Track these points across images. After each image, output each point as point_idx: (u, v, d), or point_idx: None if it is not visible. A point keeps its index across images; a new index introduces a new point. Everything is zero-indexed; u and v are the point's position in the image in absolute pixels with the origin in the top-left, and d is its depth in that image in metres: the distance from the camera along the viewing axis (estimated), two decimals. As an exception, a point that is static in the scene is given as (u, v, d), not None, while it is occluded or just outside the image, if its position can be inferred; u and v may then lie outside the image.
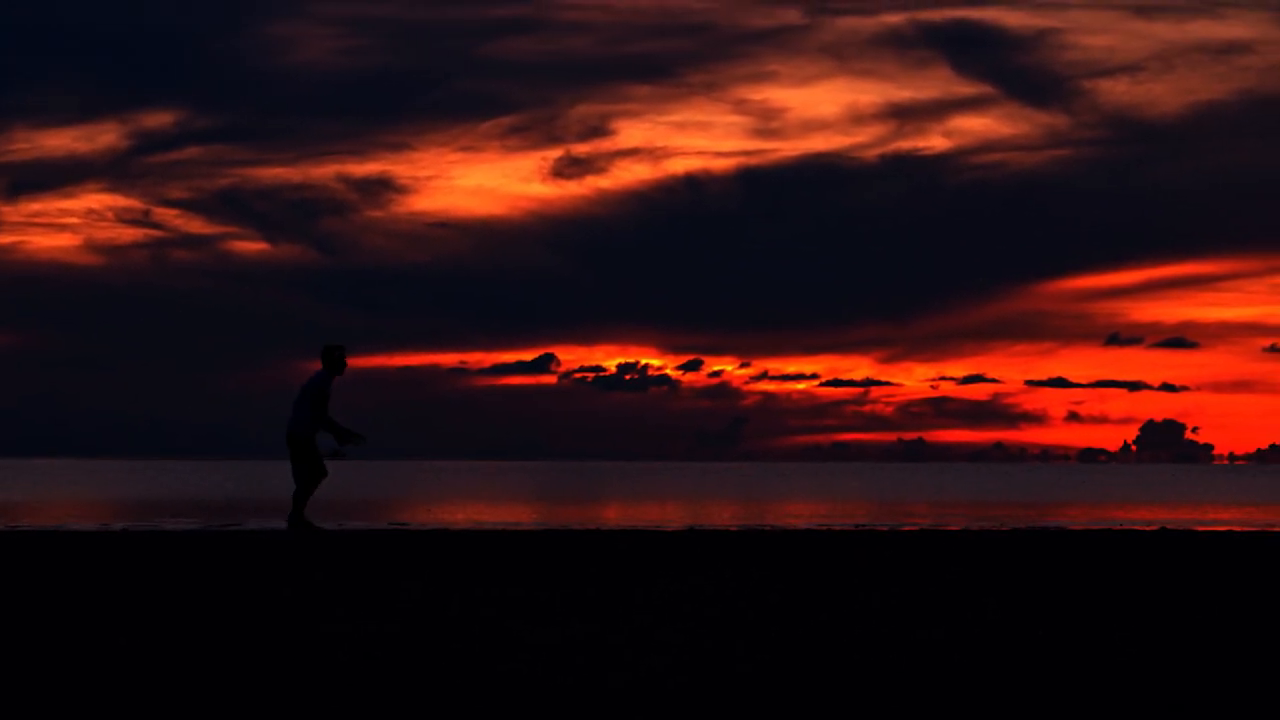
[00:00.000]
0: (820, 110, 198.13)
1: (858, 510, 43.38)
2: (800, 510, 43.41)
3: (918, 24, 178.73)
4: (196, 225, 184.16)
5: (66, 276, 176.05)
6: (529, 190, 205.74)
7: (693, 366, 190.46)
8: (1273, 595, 13.43)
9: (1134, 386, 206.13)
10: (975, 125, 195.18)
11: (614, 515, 38.58)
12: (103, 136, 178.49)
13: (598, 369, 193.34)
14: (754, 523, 32.90)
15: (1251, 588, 14.22)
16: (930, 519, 36.73)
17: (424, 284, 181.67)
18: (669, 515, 38.46)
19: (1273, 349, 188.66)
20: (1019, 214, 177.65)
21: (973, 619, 11.15)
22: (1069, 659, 9.05)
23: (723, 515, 38.82)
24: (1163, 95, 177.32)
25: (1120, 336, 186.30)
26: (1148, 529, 29.33)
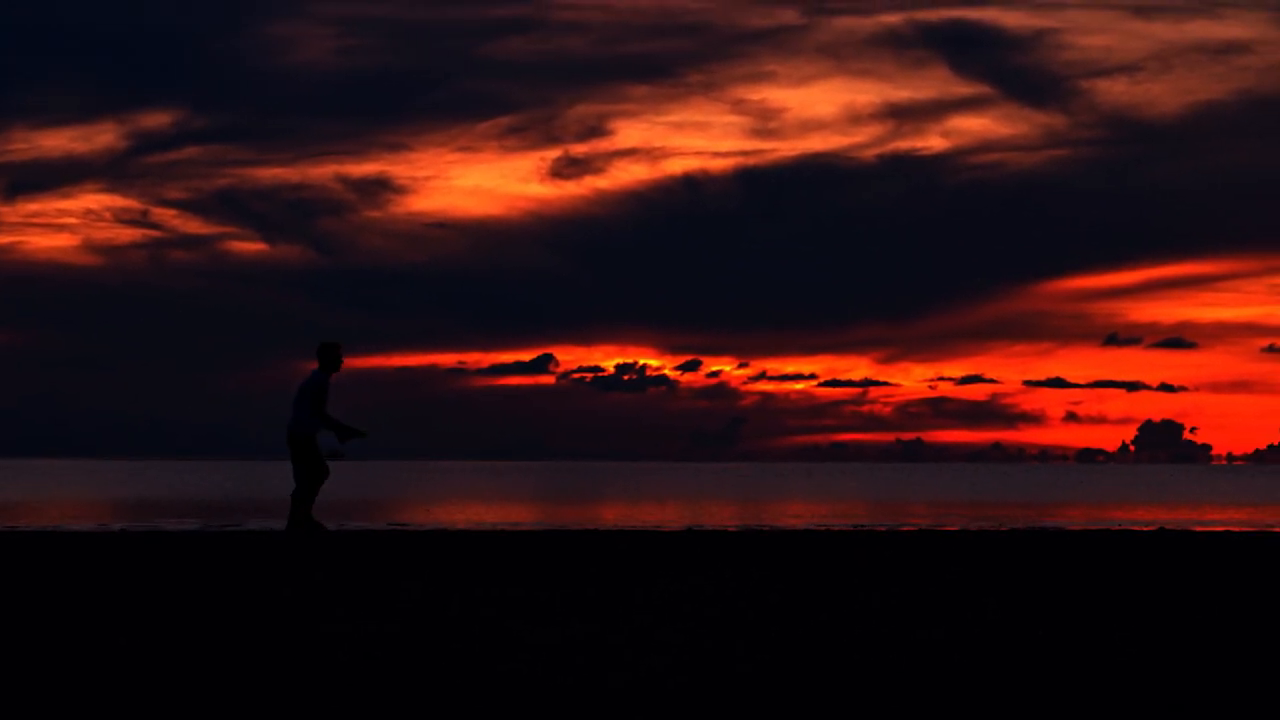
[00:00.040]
0: (818, 110, 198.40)
1: (856, 510, 43.40)
2: (798, 510, 43.43)
3: (915, 24, 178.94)
4: (194, 225, 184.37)
5: (65, 276, 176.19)
6: (527, 190, 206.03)
7: (691, 367, 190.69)
8: (1271, 595, 13.45)
9: (1132, 387, 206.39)
10: (973, 125, 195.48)
11: (613, 515, 38.60)
12: (101, 137, 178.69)
13: (596, 369, 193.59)
14: (753, 523, 32.92)
15: (1250, 588, 14.23)
16: (929, 519, 36.74)
17: (422, 284, 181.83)
18: (668, 515, 38.48)
19: (1271, 349, 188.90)
20: (1017, 214, 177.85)
21: (972, 619, 11.16)
22: (1069, 659, 9.07)
23: (721, 515, 38.84)
24: (1161, 95, 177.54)
25: (1118, 337, 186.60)
26: (1146, 529, 29.35)
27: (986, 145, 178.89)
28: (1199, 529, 30.69)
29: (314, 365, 23.56)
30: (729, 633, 10.22)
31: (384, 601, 12.26)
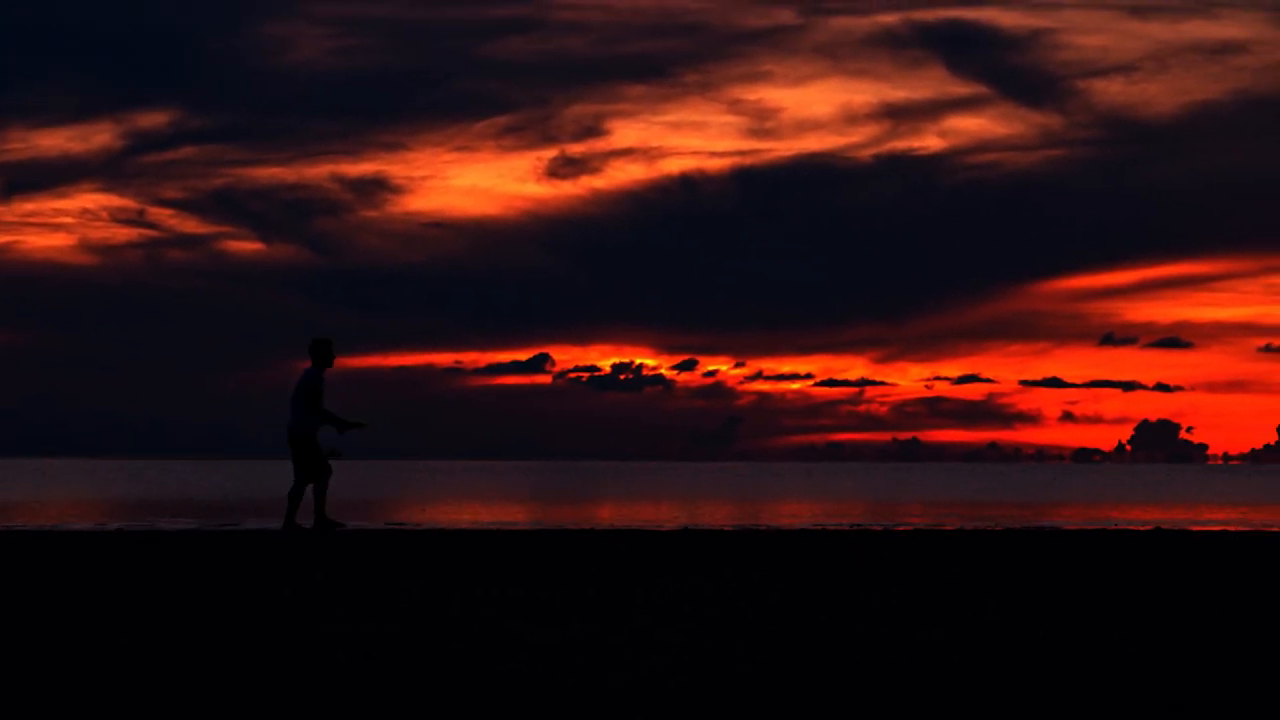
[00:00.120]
0: (815, 110, 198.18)
1: (853, 510, 43.41)
2: (796, 510, 43.44)
3: (912, 24, 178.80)
4: (191, 225, 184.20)
5: (61, 276, 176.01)
6: (524, 190, 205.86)
7: (687, 366, 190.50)
8: (1268, 595, 13.48)
9: (1128, 386, 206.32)
10: (970, 125, 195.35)
11: (611, 515, 38.60)
12: (97, 136, 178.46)
13: (592, 369, 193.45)
14: (751, 523, 32.93)
15: (1247, 588, 14.26)
16: (926, 519, 36.76)
17: (419, 284, 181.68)
18: (667, 515, 38.48)
19: (1267, 349, 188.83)
20: (1014, 214, 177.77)
21: (972, 619, 11.18)
22: (1069, 659, 9.09)
23: (719, 515, 38.85)
24: (1157, 95, 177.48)
25: (1115, 336, 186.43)
26: (1142, 529, 29.37)
27: (983, 145, 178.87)
28: (1195, 529, 30.71)
29: (307, 363, 23.61)
30: (729, 633, 10.25)
31: (384, 601, 12.27)
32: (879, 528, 29.59)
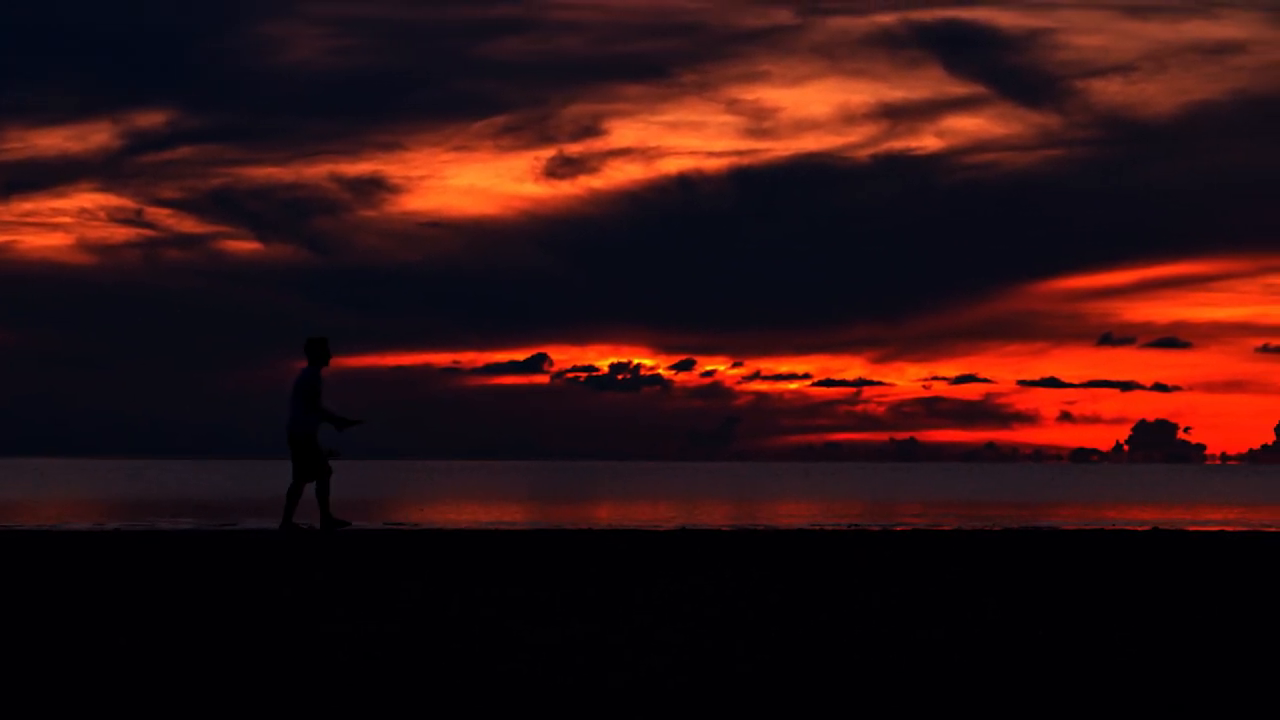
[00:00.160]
0: (812, 110, 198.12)
1: (851, 510, 43.42)
2: (794, 510, 43.45)
3: (910, 24, 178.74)
4: (189, 225, 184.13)
5: (59, 276, 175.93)
6: (521, 190, 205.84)
7: (685, 366, 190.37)
8: (1266, 595, 13.49)
9: (1126, 386, 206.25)
10: (968, 125, 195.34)
11: (609, 515, 38.61)
12: (95, 136, 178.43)
13: (590, 369, 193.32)
14: (750, 523, 32.95)
15: (1245, 588, 14.27)
16: (924, 519, 36.77)
17: (416, 284, 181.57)
18: (665, 515, 38.50)
19: (1265, 349, 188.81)
20: (1011, 214, 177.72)
21: (972, 619, 11.20)
22: (1070, 659, 9.10)
23: (717, 515, 38.86)
24: (1155, 95, 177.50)
25: (1113, 336, 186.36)
26: (1140, 529, 29.39)
27: (981, 145, 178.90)
28: (1193, 529, 30.72)
29: (303, 363, 23.63)
30: (729, 633, 10.26)
31: (384, 601, 12.29)
32: (877, 528, 29.61)
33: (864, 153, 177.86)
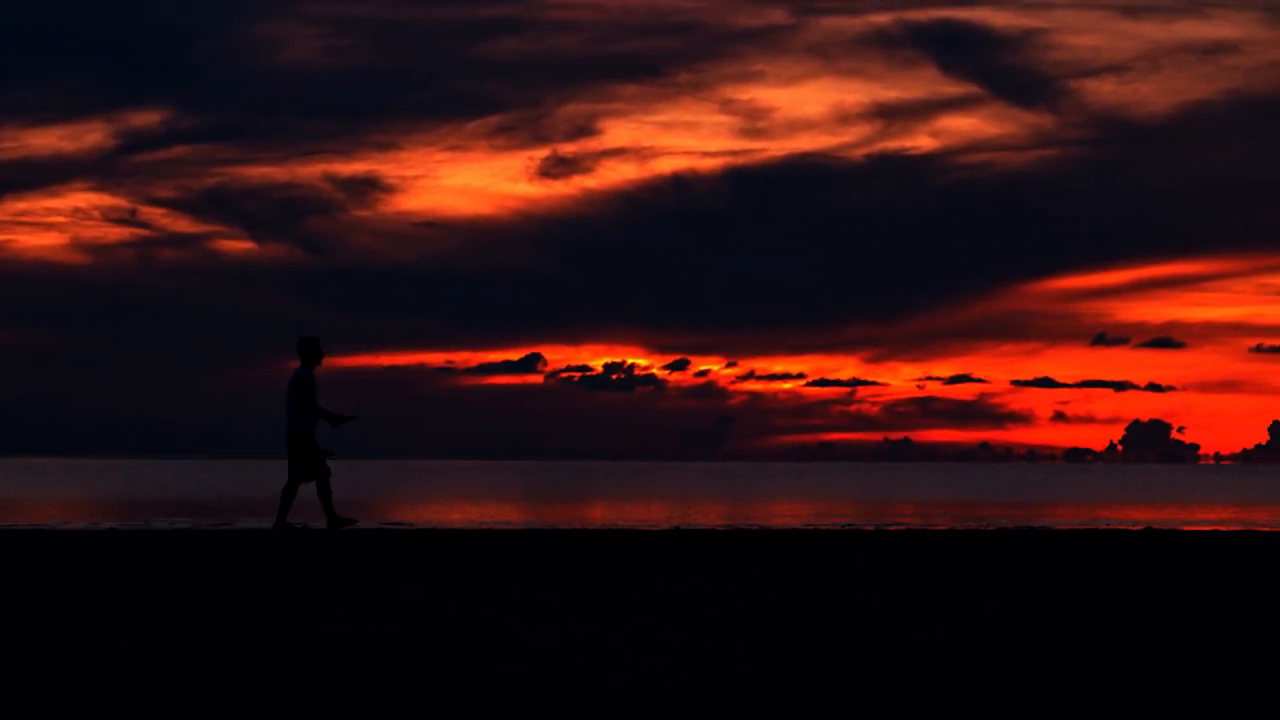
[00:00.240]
0: (807, 110, 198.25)
1: (846, 510, 43.44)
2: (790, 510, 43.48)
3: (904, 24, 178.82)
4: (183, 224, 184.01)
5: (53, 275, 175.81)
6: (516, 190, 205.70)
7: (679, 366, 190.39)
8: (1261, 594, 13.52)
9: (1120, 386, 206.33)
10: (962, 125, 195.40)
11: (605, 515, 38.63)
12: (89, 136, 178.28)
13: (584, 369, 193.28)
14: (748, 523, 32.97)
15: (1240, 588, 14.30)
16: (918, 519, 36.80)
17: (410, 283, 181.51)
18: (660, 515, 38.51)
19: (1259, 349, 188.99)
20: (1005, 214, 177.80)
21: (971, 619, 11.22)
22: (1070, 659, 9.13)
23: (713, 515, 38.89)
24: (1150, 95, 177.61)
25: (1107, 336, 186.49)
26: (1134, 529, 29.42)
27: (975, 145, 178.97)
28: (1187, 528, 30.77)
29: (296, 363, 23.66)
30: (729, 633, 10.28)
31: (384, 601, 12.30)
32: (872, 527, 29.64)
33: (858, 153, 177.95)
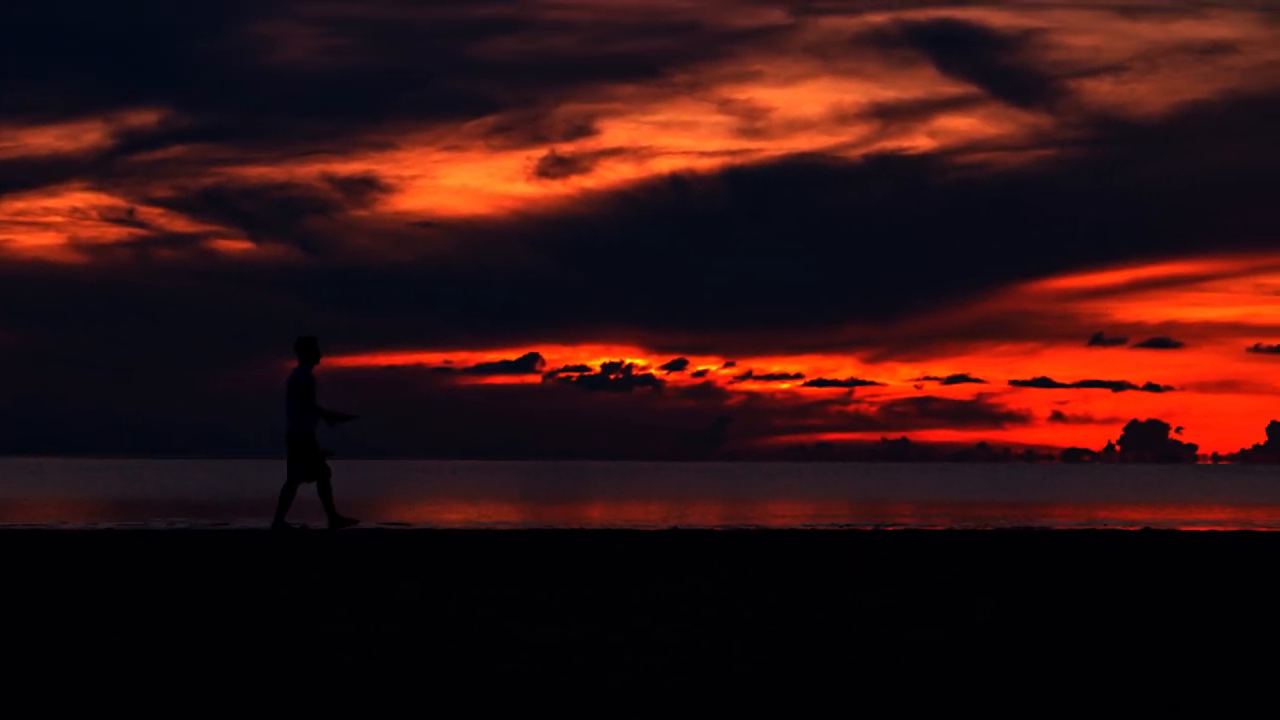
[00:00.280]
0: (805, 110, 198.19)
1: (843, 511, 43.46)
2: (787, 510, 43.50)
3: (902, 24, 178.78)
4: (180, 224, 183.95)
5: (50, 275, 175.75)
6: (513, 190, 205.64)
7: (677, 366, 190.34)
8: (1257, 595, 13.54)
9: (1118, 386, 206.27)
10: (960, 125, 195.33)
11: (602, 515, 38.64)
12: (87, 135, 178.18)
13: (582, 369, 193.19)
14: (743, 523, 32.99)
15: (1237, 588, 14.33)
16: (916, 519, 36.82)
17: (408, 283, 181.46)
18: (658, 516, 38.53)
19: (1256, 349, 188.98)
20: (1003, 214, 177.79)
21: (966, 619, 11.24)
22: (1063, 659, 9.15)
23: (711, 515, 38.91)
24: (1147, 95, 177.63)
25: (1104, 336, 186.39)
26: (1132, 529, 29.44)
27: (973, 145, 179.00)
28: (1185, 529, 30.79)
29: (294, 363, 23.69)
30: (726, 633, 10.30)
31: (382, 601, 12.32)
32: (869, 527, 29.66)
33: (856, 153, 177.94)
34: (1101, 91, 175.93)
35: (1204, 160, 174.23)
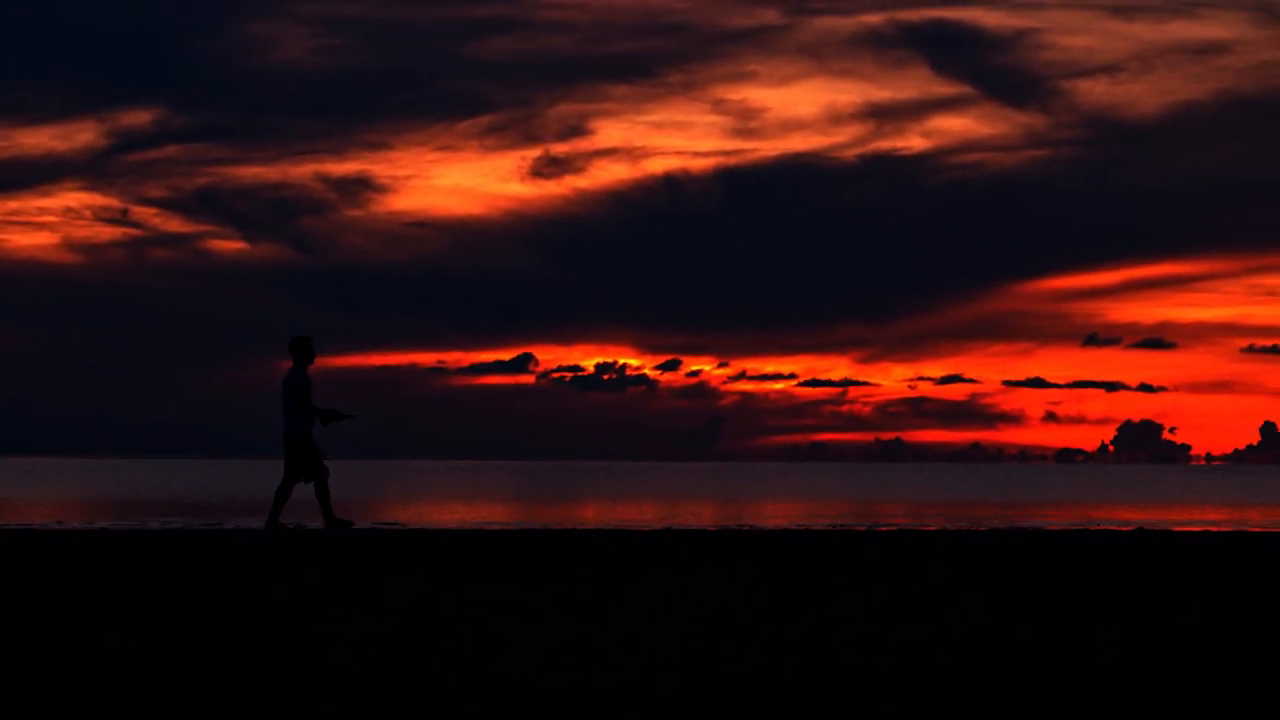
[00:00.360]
0: (799, 110, 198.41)
1: (837, 511, 43.49)
2: (781, 510, 43.52)
3: (896, 24, 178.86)
4: (175, 224, 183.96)
5: (44, 275, 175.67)
6: (507, 190, 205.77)
7: (671, 366, 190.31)
8: (1251, 595, 13.57)
9: (1112, 387, 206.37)
10: (954, 125, 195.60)
11: (596, 515, 38.66)
12: (81, 135, 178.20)
13: (576, 369, 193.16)
14: (741, 523, 33.01)
15: (1229, 588, 14.35)
16: (909, 520, 36.85)
17: (402, 283, 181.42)
18: (651, 515, 38.55)
19: (1250, 349, 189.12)
20: (997, 214, 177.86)
21: (957, 620, 11.27)
22: (1053, 659, 9.17)
23: (705, 515, 38.93)
24: (1141, 95, 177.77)
25: (1098, 337, 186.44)
26: (1125, 529, 29.48)
27: (967, 145, 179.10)
28: (1178, 529, 30.83)
29: (289, 363, 23.71)
30: (719, 633, 10.32)
31: (376, 601, 12.33)
32: (863, 528, 29.69)
33: (850, 153, 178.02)
34: (1095, 92, 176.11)
35: (1198, 160, 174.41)
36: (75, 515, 34.79)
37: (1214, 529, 31.33)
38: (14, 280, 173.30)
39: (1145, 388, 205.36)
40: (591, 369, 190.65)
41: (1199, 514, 44.27)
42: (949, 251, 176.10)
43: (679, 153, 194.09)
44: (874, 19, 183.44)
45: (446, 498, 53.95)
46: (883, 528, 29.77)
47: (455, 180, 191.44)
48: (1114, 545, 21.96)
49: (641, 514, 39.42)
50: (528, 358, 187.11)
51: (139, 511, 37.52)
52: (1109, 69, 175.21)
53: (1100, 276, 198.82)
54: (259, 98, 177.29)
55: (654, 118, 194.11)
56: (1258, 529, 31.77)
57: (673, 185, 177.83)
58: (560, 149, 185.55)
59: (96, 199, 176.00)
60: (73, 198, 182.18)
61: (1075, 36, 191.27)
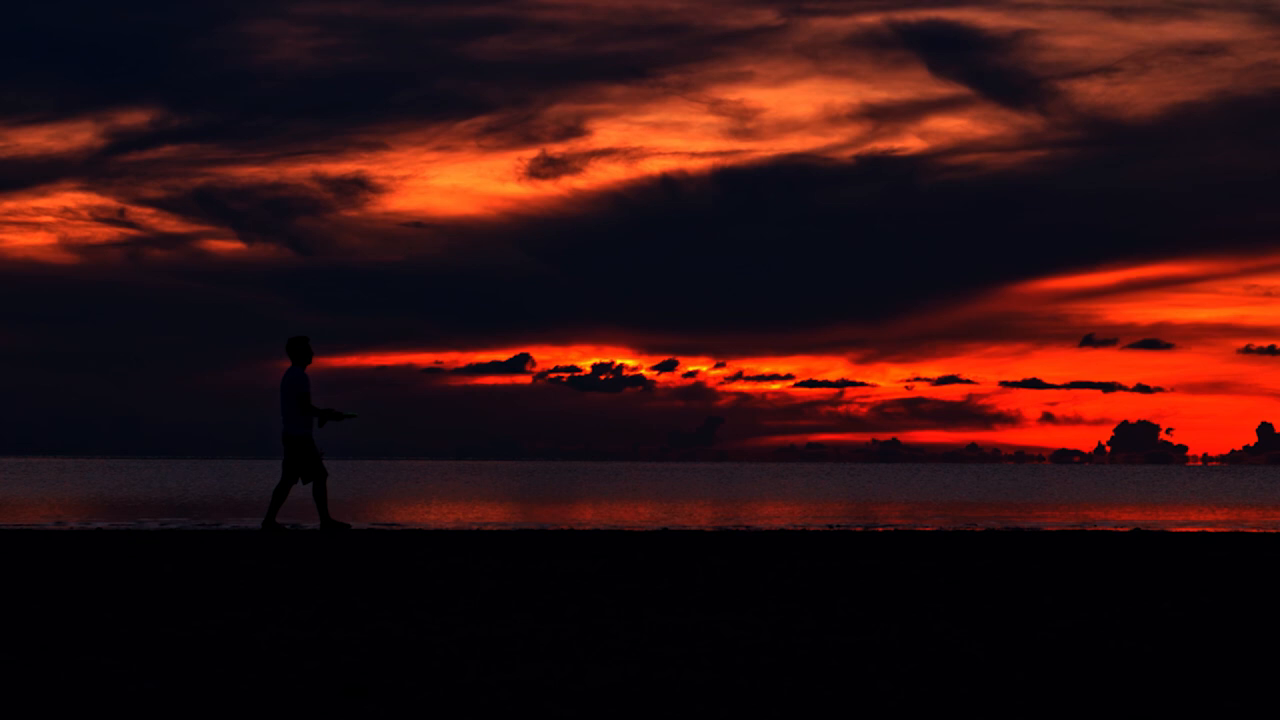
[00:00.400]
0: (796, 111, 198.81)
1: (834, 511, 43.50)
2: (778, 511, 43.55)
3: (893, 25, 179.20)
4: (171, 224, 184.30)
5: (41, 275, 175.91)
6: (504, 190, 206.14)
7: (668, 367, 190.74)
8: (1248, 596, 13.57)
9: (1108, 387, 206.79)
10: (950, 126, 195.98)
11: (593, 516, 38.67)
12: (78, 135, 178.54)
13: (573, 369, 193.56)
14: (739, 524, 33.02)
15: (1227, 588, 14.36)
16: (906, 520, 36.87)
17: (399, 283, 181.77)
18: (651, 516, 38.56)
19: (1247, 350, 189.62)
20: (994, 215, 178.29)
21: (956, 620, 11.27)
22: (1050, 659, 9.18)
23: (701, 516, 38.94)
24: (1138, 96, 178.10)
25: (1095, 338, 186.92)
26: (1122, 530, 29.49)
27: (964, 146, 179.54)
28: (1175, 529, 30.84)
29: (287, 364, 23.72)
30: (719, 633, 10.32)
31: (371, 602, 12.33)
32: (860, 528, 29.70)
33: (847, 153, 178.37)
34: (1092, 92, 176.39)
35: (1195, 161, 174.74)
36: (72, 515, 34.79)
37: (1211, 529, 31.34)
38: (11, 280, 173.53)
39: (1142, 388, 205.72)
40: (588, 369, 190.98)
41: (1196, 514, 44.31)
42: (946, 252, 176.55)
43: (676, 153, 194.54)
44: (871, 19, 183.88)
45: (443, 498, 53.96)
46: (880, 529, 29.79)
47: (452, 180, 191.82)
48: (1111, 546, 21.97)
49: (637, 515, 39.43)
50: (524, 358, 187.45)
51: (136, 511, 37.52)
52: (1106, 70, 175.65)
53: (1097, 277, 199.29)
54: (255, 98, 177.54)
55: (651, 118, 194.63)
56: (1254, 529, 31.79)
57: (669, 185, 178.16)
58: (557, 149, 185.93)
59: (93, 199, 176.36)
60: (69, 198, 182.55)
61: (1072, 37, 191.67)
